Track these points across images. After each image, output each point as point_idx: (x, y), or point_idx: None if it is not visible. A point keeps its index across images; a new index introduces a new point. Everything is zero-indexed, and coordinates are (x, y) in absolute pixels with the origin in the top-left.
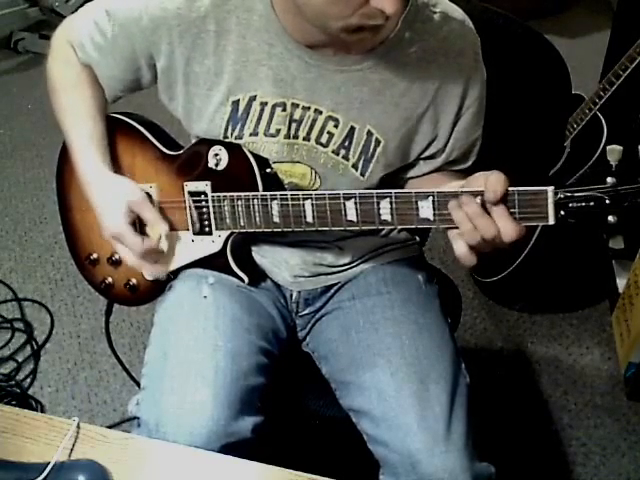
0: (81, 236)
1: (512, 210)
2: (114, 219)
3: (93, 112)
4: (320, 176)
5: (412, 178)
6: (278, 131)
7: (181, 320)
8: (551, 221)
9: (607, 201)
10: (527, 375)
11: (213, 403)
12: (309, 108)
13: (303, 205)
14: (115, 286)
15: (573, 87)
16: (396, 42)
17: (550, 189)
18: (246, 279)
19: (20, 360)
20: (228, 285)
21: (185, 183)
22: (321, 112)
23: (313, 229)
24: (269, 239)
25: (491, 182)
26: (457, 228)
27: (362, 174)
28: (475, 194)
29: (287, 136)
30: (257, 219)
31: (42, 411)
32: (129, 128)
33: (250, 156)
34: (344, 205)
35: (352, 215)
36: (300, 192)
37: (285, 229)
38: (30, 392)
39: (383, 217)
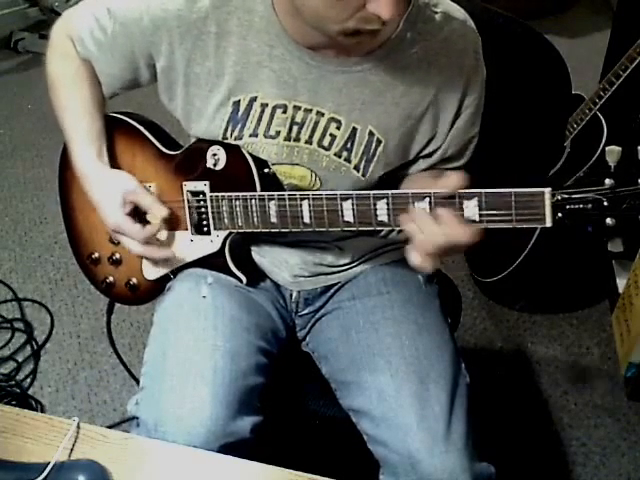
0: (83, 235)
1: (509, 212)
2: (112, 211)
3: (91, 108)
4: (321, 178)
5: (410, 175)
6: (278, 133)
7: (180, 320)
8: (548, 223)
9: (605, 203)
10: (527, 375)
11: (212, 403)
12: (311, 110)
13: (300, 205)
14: (116, 285)
15: (573, 87)
16: (397, 43)
17: (547, 190)
18: (244, 279)
19: (20, 360)
20: (227, 285)
21: (184, 183)
22: (323, 114)
23: (310, 230)
24: (269, 239)
25: (442, 183)
26: None
27: (363, 175)
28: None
29: (287, 138)
30: (255, 219)
31: (42, 411)
32: (129, 127)
33: (248, 156)
34: (341, 206)
35: (349, 216)
36: (297, 192)
37: (282, 229)
38: (30, 392)
39: (380, 218)
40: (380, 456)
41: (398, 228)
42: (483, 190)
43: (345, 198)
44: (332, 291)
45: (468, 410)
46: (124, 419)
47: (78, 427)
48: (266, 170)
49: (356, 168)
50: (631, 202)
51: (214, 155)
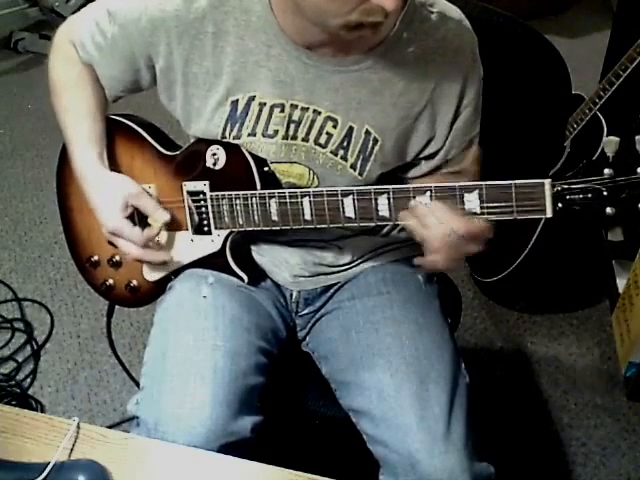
0: (82, 238)
1: (509, 204)
2: (111, 214)
3: (93, 111)
4: (318, 176)
5: (413, 178)
6: (276, 132)
7: (181, 320)
8: (549, 214)
9: (605, 192)
10: (527, 375)
11: (212, 403)
12: (308, 109)
13: (301, 203)
14: (116, 288)
15: (573, 87)
16: (394, 42)
17: (547, 181)
18: (246, 278)
19: (20, 360)
20: (228, 285)
21: (184, 183)
22: (320, 113)
23: (312, 226)
24: (269, 239)
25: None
26: None
27: (360, 173)
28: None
29: (285, 137)
30: (256, 217)
31: (42, 411)
32: (127, 129)
33: (248, 155)
34: (342, 202)
35: (350, 212)
36: (298, 189)
37: (284, 227)
38: (30, 392)
39: (381, 213)
40: (380, 456)
41: (399, 223)
42: (484, 182)
43: (346, 194)
44: (332, 291)
45: (468, 410)
46: (124, 419)
47: (78, 427)
48: (266, 168)
49: (353, 167)
50: (630, 191)
51: (214, 155)
